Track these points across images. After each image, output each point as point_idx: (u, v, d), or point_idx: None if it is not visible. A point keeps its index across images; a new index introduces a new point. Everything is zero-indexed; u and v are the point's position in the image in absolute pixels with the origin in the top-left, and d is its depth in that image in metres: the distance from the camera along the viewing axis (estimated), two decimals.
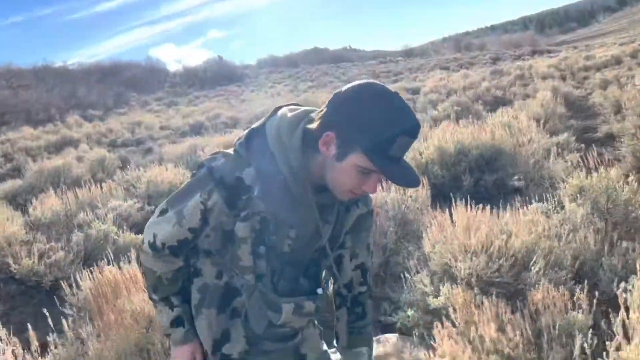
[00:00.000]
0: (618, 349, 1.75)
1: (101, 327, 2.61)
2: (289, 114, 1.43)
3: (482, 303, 2.38)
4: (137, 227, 6.03)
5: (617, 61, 22.87)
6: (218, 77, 67.92)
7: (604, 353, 1.80)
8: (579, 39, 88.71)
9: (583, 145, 7.46)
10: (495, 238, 2.91)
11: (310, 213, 1.45)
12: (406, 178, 1.35)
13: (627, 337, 1.81)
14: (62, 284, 3.56)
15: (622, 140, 7.12)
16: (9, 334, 2.50)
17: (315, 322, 1.68)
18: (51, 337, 2.50)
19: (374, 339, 3.07)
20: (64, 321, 2.57)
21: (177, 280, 1.59)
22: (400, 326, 3.13)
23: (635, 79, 12.37)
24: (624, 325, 1.83)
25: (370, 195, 1.60)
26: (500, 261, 2.84)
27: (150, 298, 1.64)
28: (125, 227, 5.82)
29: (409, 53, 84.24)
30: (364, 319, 1.73)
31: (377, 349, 2.93)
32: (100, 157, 11.05)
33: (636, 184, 4.10)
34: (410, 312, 3.04)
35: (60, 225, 5.87)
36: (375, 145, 1.29)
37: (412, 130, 1.33)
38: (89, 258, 5.10)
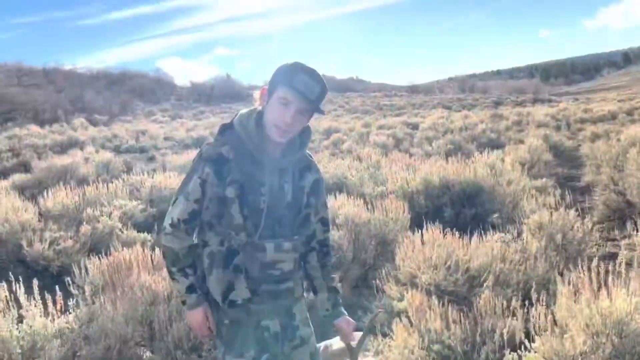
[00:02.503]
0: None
1: (113, 299, 3.07)
2: (247, 110, 2.05)
3: (434, 305, 2.85)
4: (140, 227, 6.48)
5: (613, 116, 23.68)
6: (224, 94, 68.75)
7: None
8: (582, 91, 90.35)
9: (560, 191, 7.98)
10: (455, 256, 3.39)
11: (272, 172, 1.99)
12: (306, 88, 1.89)
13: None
14: (73, 266, 3.99)
15: (596, 191, 7.66)
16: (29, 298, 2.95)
17: (303, 286, 2.22)
18: (71, 301, 2.95)
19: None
20: (85, 287, 3.03)
21: (190, 256, 2.08)
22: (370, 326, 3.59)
23: (622, 135, 12.96)
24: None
25: (316, 165, 2.17)
26: (457, 275, 3.33)
27: (169, 271, 2.10)
28: (129, 225, 6.27)
29: (413, 89, 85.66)
30: (330, 255, 2.27)
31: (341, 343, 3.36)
32: (106, 159, 11.55)
33: (590, 224, 4.63)
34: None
35: (69, 218, 6.32)
36: (284, 78, 1.90)
37: (310, 72, 1.90)
38: (94, 249, 5.52)
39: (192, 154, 12.39)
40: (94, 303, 3.04)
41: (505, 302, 2.87)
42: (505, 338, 2.56)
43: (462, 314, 2.79)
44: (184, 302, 2.10)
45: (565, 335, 2.27)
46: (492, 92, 73.56)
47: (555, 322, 2.46)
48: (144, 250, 3.68)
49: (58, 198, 6.67)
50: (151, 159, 16.33)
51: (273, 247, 2.03)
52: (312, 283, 2.27)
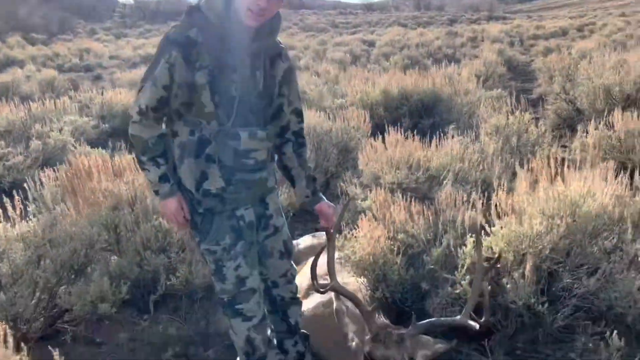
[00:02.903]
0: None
1: (75, 203, 3.01)
2: None
3: (398, 199, 2.93)
4: (94, 144, 6.26)
5: (564, 32, 24.05)
6: (173, 13, 65.20)
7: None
8: (534, 9, 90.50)
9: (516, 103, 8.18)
10: (416, 157, 3.46)
11: (243, 58, 1.91)
12: None
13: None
14: (28, 179, 3.85)
15: (548, 100, 7.87)
16: None
17: (276, 177, 2.23)
18: (31, 207, 2.87)
19: (310, 235, 3.62)
20: (45, 193, 2.94)
21: (161, 144, 2.01)
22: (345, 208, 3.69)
23: (573, 49, 13.22)
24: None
25: (288, 54, 2.11)
26: (419, 174, 3.41)
27: (140, 161, 2.04)
28: (82, 141, 6.05)
29: (369, 7, 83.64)
30: (305, 146, 2.27)
31: (312, 241, 3.46)
32: (50, 77, 10.92)
33: (544, 128, 4.80)
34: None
35: (17, 134, 6.04)
36: None
37: None
38: (47, 164, 5.34)
39: (142, 71, 11.89)
40: (54, 209, 2.97)
41: (465, 196, 2.98)
42: (466, 226, 2.68)
43: (424, 207, 2.89)
44: (156, 192, 2.06)
45: (523, 217, 2.40)
46: (447, 9, 72.74)
47: (514, 209, 2.59)
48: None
49: (2, 114, 6.32)
50: (98, 77, 15.55)
51: (247, 135, 1.99)
52: (290, 173, 2.28)
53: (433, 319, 2.30)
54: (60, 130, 6.10)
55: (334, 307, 2.37)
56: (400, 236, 2.71)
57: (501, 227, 2.47)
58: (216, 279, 2.13)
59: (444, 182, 3.42)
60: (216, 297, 2.24)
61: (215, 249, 2.06)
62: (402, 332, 2.18)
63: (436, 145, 4.01)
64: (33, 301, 2.63)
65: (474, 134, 4.48)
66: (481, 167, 3.71)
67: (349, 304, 2.35)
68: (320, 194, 2.31)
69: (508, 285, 2.38)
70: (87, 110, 7.82)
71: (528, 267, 2.34)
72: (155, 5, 69.12)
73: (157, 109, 1.93)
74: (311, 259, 2.32)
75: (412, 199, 2.97)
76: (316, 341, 2.53)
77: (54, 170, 3.72)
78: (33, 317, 2.69)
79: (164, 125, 2.03)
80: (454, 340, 2.34)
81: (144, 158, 2.01)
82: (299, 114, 2.21)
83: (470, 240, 2.46)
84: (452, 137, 4.18)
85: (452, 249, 2.58)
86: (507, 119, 4.57)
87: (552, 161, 2.58)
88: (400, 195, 2.96)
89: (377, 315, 2.33)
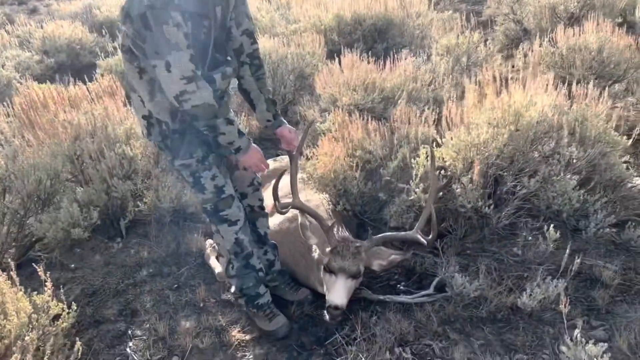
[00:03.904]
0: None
1: (36, 135, 2.99)
2: None
3: (356, 119, 3.06)
4: (40, 79, 6.03)
5: None
6: None
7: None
8: None
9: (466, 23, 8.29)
10: (371, 78, 3.56)
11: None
12: None
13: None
14: None
15: (497, 21, 8.01)
16: None
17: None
18: None
19: (272, 159, 3.73)
20: (3, 124, 2.91)
21: (224, 103, 2.07)
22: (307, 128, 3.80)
23: None
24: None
25: None
26: (374, 95, 3.53)
27: (212, 127, 2.00)
28: (27, 77, 5.82)
29: None
30: (262, 68, 2.32)
31: (274, 165, 3.58)
32: None
33: (492, 47, 4.95)
34: None
35: None
36: None
37: None
38: None
39: (83, 1, 11.21)
40: (13, 142, 2.96)
41: (418, 113, 3.13)
42: (419, 139, 2.86)
43: (380, 125, 3.04)
44: (237, 149, 2.10)
45: (471, 127, 2.58)
46: None
47: (462, 120, 2.76)
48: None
49: None
50: (34, 10, 14.57)
51: (220, 77, 2.06)
52: (249, 97, 2.34)
53: (387, 233, 2.52)
54: (3, 66, 5.84)
55: (299, 222, 2.54)
56: (359, 153, 2.86)
57: (451, 138, 2.65)
58: (196, 191, 2.23)
59: (399, 101, 3.56)
60: (199, 210, 2.32)
61: (190, 162, 2.14)
62: (358, 244, 2.39)
63: (390, 68, 4.12)
64: (3, 231, 2.68)
65: (425, 55, 4.60)
66: (433, 87, 3.85)
67: (312, 219, 2.52)
68: (281, 118, 2.39)
69: (458, 190, 2.60)
70: (28, 45, 7.45)
71: (476, 172, 2.55)
72: None
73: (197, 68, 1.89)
74: (273, 181, 2.45)
75: (369, 118, 3.11)
76: (283, 252, 2.72)
77: (4, 105, 3.65)
78: (5, 248, 2.75)
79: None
80: (410, 251, 2.58)
81: (218, 121, 2.00)
82: (250, 35, 2.23)
83: (423, 151, 2.63)
84: (405, 58, 4.28)
85: (407, 161, 2.76)
86: (457, 39, 4.69)
87: (497, 75, 2.73)
88: (357, 115, 3.08)
89: (337, 229, 2.52)
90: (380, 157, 2.88)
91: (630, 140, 2.84)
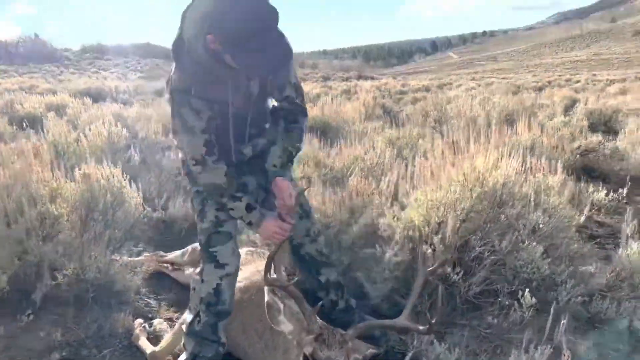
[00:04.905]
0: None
1: None
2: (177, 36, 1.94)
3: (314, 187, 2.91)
4: None
5: (427, 89, 26.72)
6: (32, 55, 61.52)
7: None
8: (398, 74, 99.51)
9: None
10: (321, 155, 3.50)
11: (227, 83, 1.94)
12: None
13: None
14: None
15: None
16: None
17: None
18: None
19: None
20: None
21: (232, 180, 2.01)
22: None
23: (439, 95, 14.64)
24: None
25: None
26: (327, 170, 3.45)
27: (221, 204, 2.05)
28: None
29: None
30: (298, 124, 2.20)
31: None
32: None
33: (429, 143, 5.14)
34: None
35: None
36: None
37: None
38: None
39: (6, 97, 10.77)
40: None
41: (374, 183, 3.04)
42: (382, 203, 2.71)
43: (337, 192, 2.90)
44: (250, 224, 2.07)
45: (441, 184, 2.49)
46: (320, 68, 77.03)
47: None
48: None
49: None
50: None
51: (250, 150, 2.14)
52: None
53: (372, 321, 2.31)
54: None
55: (266, 301, 2.17)
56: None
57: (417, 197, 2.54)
58: (198, 220, 2.17)
59: (351, 174, 3.49)
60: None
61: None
62: (343, 332, 2.08)
63: (337, 152, 4.10)
64: None
65: (370, 145, 4.66)
66: (382, 167, 3.84)
67: (289, 301, 2.16)
68: (290, 173, 2.24)
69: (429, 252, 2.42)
70: None
71: (449, 229, 2.41)
72: (15, 47, 65.08)
73: (208, 152, 1.95)
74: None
75: (325, 187, 2.98)
76: (232, 330, 2.30)
77: None
78: None
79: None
80: (384, 346, 2.30)
81: (224, 200, 2.02)
82: (291, 102, 2.16)
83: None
84: (351, 144, 4.30)
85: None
86: (399, 132, 4.83)
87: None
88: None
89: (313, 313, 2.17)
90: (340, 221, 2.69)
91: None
